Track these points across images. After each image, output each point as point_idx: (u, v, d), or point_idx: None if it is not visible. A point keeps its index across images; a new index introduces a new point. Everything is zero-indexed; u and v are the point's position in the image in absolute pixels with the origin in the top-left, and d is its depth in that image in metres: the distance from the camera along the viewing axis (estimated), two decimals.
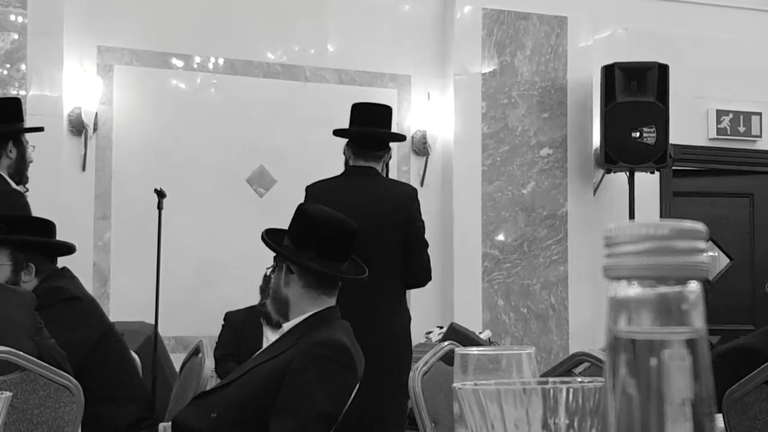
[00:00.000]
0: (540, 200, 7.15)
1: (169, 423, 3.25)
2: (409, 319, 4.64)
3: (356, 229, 3.31)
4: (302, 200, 4.41)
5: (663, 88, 7.04)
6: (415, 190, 4.73)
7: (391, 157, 4.82)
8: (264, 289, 5.40)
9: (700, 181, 7.86)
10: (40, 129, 4.90)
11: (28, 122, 4.96)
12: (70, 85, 6.24)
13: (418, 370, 2.97)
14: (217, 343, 5.67)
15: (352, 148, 4.68)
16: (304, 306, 3.20)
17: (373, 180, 4.62)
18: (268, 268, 3.36)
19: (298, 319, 3.20)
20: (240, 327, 5.59)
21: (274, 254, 3.28)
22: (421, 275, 4.63)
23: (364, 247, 4.06)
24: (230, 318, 5.71)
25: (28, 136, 4.79)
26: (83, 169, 6.33)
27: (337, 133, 4.79)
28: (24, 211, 4.39)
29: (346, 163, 4.72)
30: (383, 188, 4.61)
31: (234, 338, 5.58)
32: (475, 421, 0.80)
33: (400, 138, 4.96)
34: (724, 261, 7.92)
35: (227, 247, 6.51)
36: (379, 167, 4.68)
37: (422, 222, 4.64)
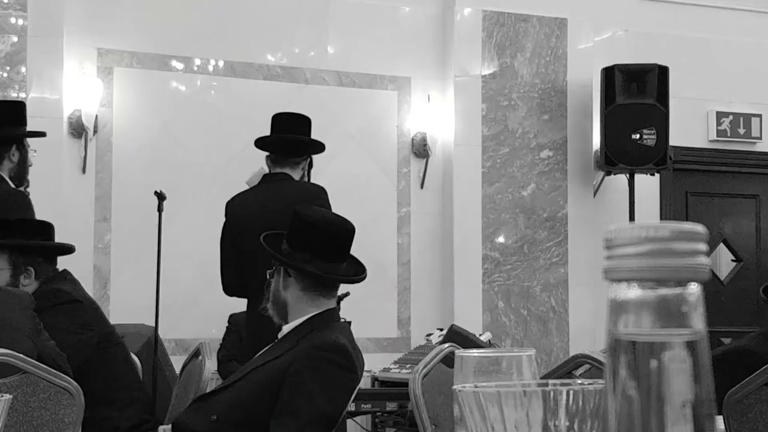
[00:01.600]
0: (540, 202, 7.15)
1: (170, 426, 3.25)
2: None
3: (353, 230, 3.32)
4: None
5: (663, 89, 7.04)
6: (321, 189, 4.86)
7: (311, 165, 4.99)
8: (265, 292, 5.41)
9: (707, 182, 7.85)
10: (42, 134, 4.91)
11: (29, 125, 4.96)
12: (70, 87, 6.24)
13: (418, 372, 2.97)
14: (221, 344, 5.68)
15: (270, 156, 4.93)
16: (303, 308, 3.21)
17: (283, 183, 4.83)
18: (267, 271, 3.35)
19: (297, 321, 3.20)
20: (243, 329, 5.60)
21: (275, 263, 3.29)
22: None
23: None
24: (234, 320, 5.72)
25: (29, 140, 4.80)
26: (83, 171, 6.33)
27: (257, 142, 5.00)
28: (26, 211, 4.39)
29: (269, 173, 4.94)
30: (291, 189, 4.78)
31: (237, 340, 5.58)
32: (475, 423, 0.80)
33: (318, 146, 5.01)
34: (734, 263, 7.92)
35: None
36: (296, 174, 4.89)
37: None
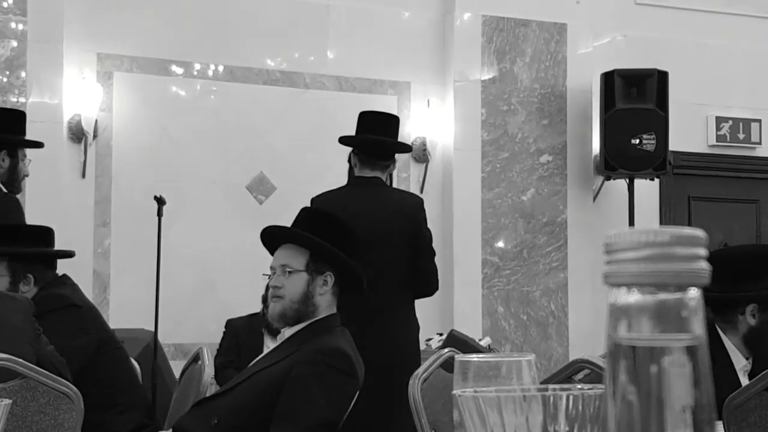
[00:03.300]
0: (540, 207, 7.15)
1: (169, 430, 3.25)
2: (418, 329, 4.64)
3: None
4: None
5: (662, 94, 7.05)
6: (421, 200, 4.74)
7: (395, 168, 4.82)
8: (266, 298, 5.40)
9: (707, 187, 7.85)
10: (39, 145, 4.93)
11: (29, 129, 4.97)
12: (69, 92, 6.24)
13: (417, 377, 2.97)
14: (218, 350, 5.67)
15: (359, 156, 4.64)
16: (324, 310, 3.21)
17: (379, 190, 4.60)
18: (265, 275, 3.33)
19: (299, 325, 3.19)
20: (241, 334, 5.60)
21: (314, 258, 3.21)
22: (429, 284, 4.67)
23: (375, 258, 4.10)
24: (231, 325, 5.71)
25: (28, 150, 4.82)
26: (83, 176, 6.33)
27: (344, 140, 4.76)
28: (17, 215, 4.40)
29: (351, 171, 4.69)
30: (390, 198, 4.61)
31: (235, 345, 5.58)
32: (475, 428, 0.80)
33: (407, 148, 4.93)
34: None
35: (227, 253, 6.51)
36: (383, 177, 4.66)
37: (429, 231, 4.66)
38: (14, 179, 4.69)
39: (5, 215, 4.41)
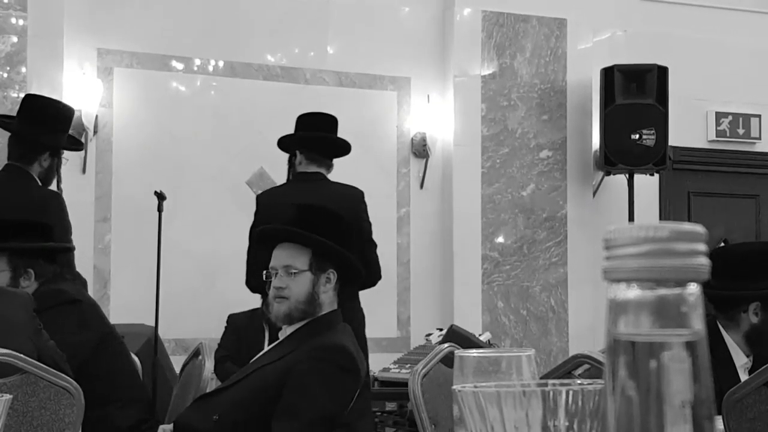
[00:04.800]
0: (539, 202, 7.15)
1: (170, 425, 3.26)
2: (363, 317, 4.74)
3: None
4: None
5: (662, 90, 7.04)
6: (361, 193, 4.86)
7: (332, 166, 4.95)
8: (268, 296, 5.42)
9: (706, 182, 7.85)
10: (79, 148, 4.95)
11: None
12: (70, 87, 6.24)
13: (418, 372, 2.97)
14: (218, 344, 5.68)
15: (305, 154, 4.84)
16: (327, 307, 3.21)
17: (321, 184, 4.78)
18: (264, 272, 3.32)
19: (300, 322, 3.19)
20: (242, 329, 5.60)
21: (317, 257, 3.21)
22: (371, 275, 4.74)
23: None
24: (233, 320, 5.72)
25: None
26: (83, 171, 6.33)
27: (291, 139, 4.91)
28: (58, 213, 4.40)
29: (291, 169, 4.91)
30: (332, 192, 4.74)
31: (235, 341, 5.58)
32: (474, 423, 0.80)
33: (348, 146, 5.02)
34: None
35: (227, 249, 6.50)
36: (326, 173, 4.86)
37: (369, 223, 4.82)
38: (50, 179, 4.69)
39: (63, 216, 4.43)
